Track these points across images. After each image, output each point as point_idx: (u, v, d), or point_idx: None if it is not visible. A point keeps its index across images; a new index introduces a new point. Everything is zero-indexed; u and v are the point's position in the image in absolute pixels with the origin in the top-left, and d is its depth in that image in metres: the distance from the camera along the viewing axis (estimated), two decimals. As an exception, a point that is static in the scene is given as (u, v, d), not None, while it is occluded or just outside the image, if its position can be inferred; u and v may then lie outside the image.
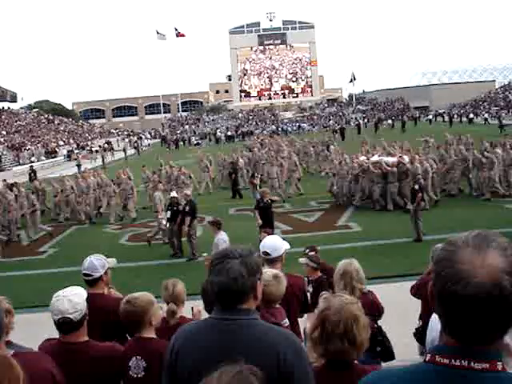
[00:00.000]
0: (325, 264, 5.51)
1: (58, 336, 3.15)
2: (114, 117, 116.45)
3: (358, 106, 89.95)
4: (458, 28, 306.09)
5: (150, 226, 16.59)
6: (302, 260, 5.81)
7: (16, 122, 67.75)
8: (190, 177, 20.36)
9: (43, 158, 53.13)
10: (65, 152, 56.56)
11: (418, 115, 73.45)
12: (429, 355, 1.35)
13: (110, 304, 4.10)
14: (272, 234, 8.80)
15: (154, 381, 2.90)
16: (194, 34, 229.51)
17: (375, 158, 17.11)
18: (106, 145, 57.57)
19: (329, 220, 15.71)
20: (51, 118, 79.64)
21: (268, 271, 3.72)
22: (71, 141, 66.61)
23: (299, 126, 72.75)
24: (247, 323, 2.14)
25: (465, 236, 1.30)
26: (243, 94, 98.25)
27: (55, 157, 54.33)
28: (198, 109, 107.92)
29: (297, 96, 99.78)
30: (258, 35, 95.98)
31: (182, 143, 63.49)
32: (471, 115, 65.38)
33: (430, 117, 71.40)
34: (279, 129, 70.67)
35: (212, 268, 2.19)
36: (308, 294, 4.87)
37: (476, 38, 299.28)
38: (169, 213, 13.00)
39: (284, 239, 4.83)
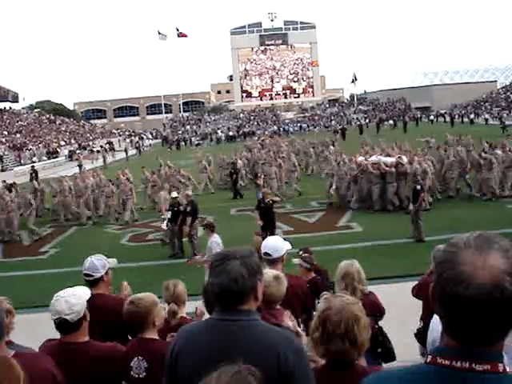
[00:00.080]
0: (318, 266, 5.49)
1: (59, 336, 3.15)
2: (115, 117, 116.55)
3: (360, 107, 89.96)
4: (460, 28, 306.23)
5: (151, 227, 16.61)
6: (296, 261, 5.82)
7: (17, 122, 67.85)
8: (190, 178, 20.27)
9: (45, 158, 53.20)
10: (66, 152, 56.60)
11: (419, 116, 73.45)
12: (430, 356, 1.35)
13: (110, 304, 4.10)
14: (262, 235, 8.78)
15: (156, 382, 2.90)
16: (196, 34, 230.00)
17: (374, 159, 17.09)
18: (107, 145, 57.59)
19: (330, 220, 15.72)
20: (53, 118, 79.74)
21: (269, 272, 3.72)
22: (73, 141, 66.70)
23: (300, 127, 72.81)
24: (248, 324, 2.14)
25: (466, 237, 1.30)
26: (245, 95, 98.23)
27: (57, 157, 54.37)
28: (199, 109, 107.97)
29: (298, 96, 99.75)
30: (260, 35, 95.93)
31: (183, 143, 63.53)
32: (471, 116, 65.41)
33: (432, 117, 71.43)
34: (281, 129, 70.69)
35: (212, 269, 2.19)
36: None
37: (478, 38, 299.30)
38: (169, 213, 13.00)
39: (285, 239, 4.84)
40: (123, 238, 15.49)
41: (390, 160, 16.61)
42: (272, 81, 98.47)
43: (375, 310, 4.52)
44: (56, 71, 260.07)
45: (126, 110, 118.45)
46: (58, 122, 78.19)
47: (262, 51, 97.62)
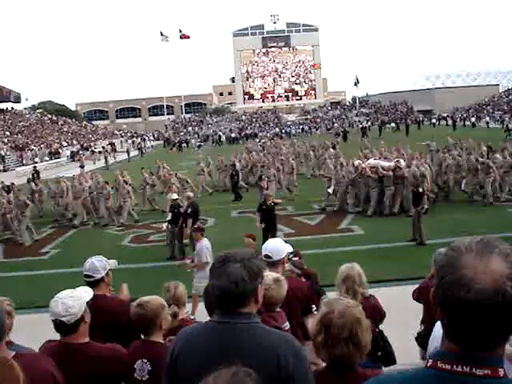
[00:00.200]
0: (307, 269, 5.47)
1: (59, 337, 3.15)
2: (117, 118, 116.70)
3: (362, 109, 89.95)
4: (462, 31, 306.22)
5: (152, 228, 16.60)
6: (286, 266, 5.79)
7: (20, 122, 67.95)
8: (187, 181, 20.16)
9: (46, 158, 53.25)
10: (68, 153, 56.64)
11: (421, 119, 73.43)
12: (430, 361, 1.35)
13: (111, 305, 4.11)
14: (253, 237, 8.75)
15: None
16: (198, 35, 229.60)
17: (372, 162, 17.06)
18: (109, 146, 57.63)
19: (331, 223, 15.71)
20: (55, 118, 79.82)
21: (269, 275, 3.72)
22: (75, 142, 66.78)
23: (302, 129, 72.86)
24: (248, 327, 2.14)
25: (467, 242, 1.30)
26: (247, 97, 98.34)
27: (58, 157, 54.44)
28: (201, 111, 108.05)
29: (300, 99, 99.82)
30: (262, 37, 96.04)
31: (185, 145, 63.60)
32: (472, 119, 65.38)
33: (434, 120, 71.40)
34: (283, 131, 70.70)
35: (213, 271, 2.19)
36: None
37: (480, 41, 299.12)
38: (170, 215, 12.97)
39: (286, 242, 4.84)
40: (125, 240, 15.48)
41: (387, 164, 16.59)
42: (274, 83, 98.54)
43: (376, 313, 4.51)
44: (58, 72, 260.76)
45: (128, 111, 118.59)
46: (60, 123, 78.28)
47: (264, 53, 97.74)
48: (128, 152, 49.69)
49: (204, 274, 8.82)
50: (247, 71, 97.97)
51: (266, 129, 76.72)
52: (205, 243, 9.09)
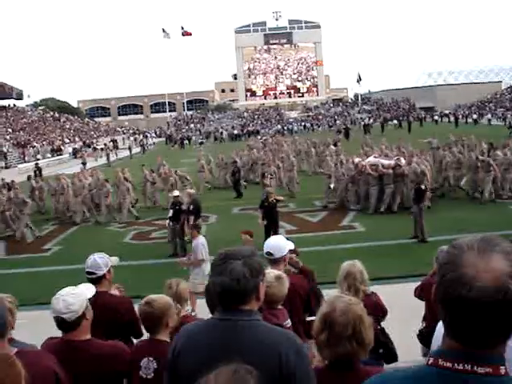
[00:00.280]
0: (304, 266, 5.45)
1: (61, 334, 3.16)
2: (119, 115, 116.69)
3: (364, 106, 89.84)
4: (465, 28, 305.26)
5: (154, 225, 16.61)
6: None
7: (22, 119, 68.01)
8: (187, 178, 20.11)
9: (49, 155, 53.28)
10: (70, 150, 56.68)
11: (423, 116, 73.27)
12: (431, 358, 1.35)
13: (114, 303, 4.12)
14: (250, 234, 8.76)
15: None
16: (200, 32, 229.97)
17: (372, 160, 17.04)
18: (111, 143, 57.66)
19: (333, 220, 15.72)
20: (57, 115, 79.85)
21: (270, 272, 3.72)
22: (77, 139, 66.81)
23: (304, 126, 72.80)
24: (249, 324, 2.14)
25: (469, 239, 1.30)
26: (249, 93, 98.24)
27: (61, 154, 54.47)
28: (203, 107, 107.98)
29: (302, 96, 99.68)
30: (264, 34, 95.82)
31: (187, 142, 63.58)
32: (474, 116, 65.25)
33: (436, 117, 71.28)
34: (285, 128, 70.65)
35: (214, 268, 2.19)
36: None
37: (483, 38, 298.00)
38: (171, 211, 12.93)
39: (288, 239, 4.83)
40: (126, 236, 15.49)
41: (387, 162, 16.57)
42: (276, 79, 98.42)
43: (377, 310, 4.51)
44: (60, 69, 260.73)
45: (130, 108, 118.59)
46: (62, 120, 78.32)
47: (266, 50, 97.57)
48: (130, 149, 49.71)
49: (199, 271, 8.85)
50: (249, 68, 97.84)
51: (268, 126, 76.68)
52: (201, 240, 9.11)
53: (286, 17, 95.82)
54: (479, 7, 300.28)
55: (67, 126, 75.17)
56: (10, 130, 59.32)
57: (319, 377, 2.27)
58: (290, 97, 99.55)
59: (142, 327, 3.76)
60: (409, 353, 5.15)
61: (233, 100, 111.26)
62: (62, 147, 57.49)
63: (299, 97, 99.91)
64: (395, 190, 16.12)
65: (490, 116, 64.43)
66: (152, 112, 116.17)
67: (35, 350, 3.06)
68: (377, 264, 9.75)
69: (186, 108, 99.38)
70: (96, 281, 4.05)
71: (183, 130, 79.11)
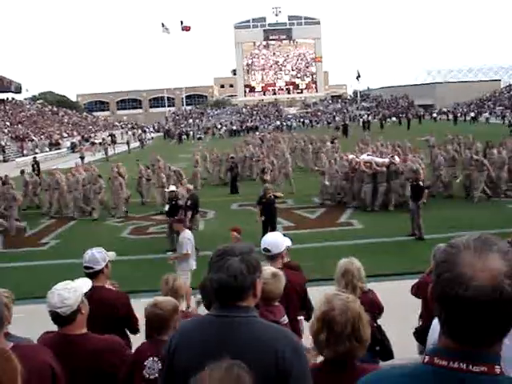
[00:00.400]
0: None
1: (56, 328, 3.16)
2: (118, 109, 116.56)
3: (363, 103, 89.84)
4: (464, 26, 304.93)
5: (152, 220, 16.61)
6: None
7: (20, 112, 67.81)
8: (181, 174, 19.98)
9: (47, 149, 53.13)
10: (68, 144, 56.51)
11: (422, 113, 73.28)
12: (427, 357, 1.35)
13: (110, 297, 4.13)
14: (238, 230, 8.74)
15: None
16: (200, 27, 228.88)
17: (366, 157, 17.03)
18: (109, 138, 57.54)
19: (331, 217, 15.72)
20: (55, 109, 79.65)
21: (267, 269, 3.72)
22: (75, 133, 66.64)
23: (303, 122, 72.79)
24: (246, 321, 2.14)
25: (466, 239, 1.30)
26: (248, 89, 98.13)
27: (59, 148, 54.32)
28: (202, 103, 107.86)
29: (301, 92, 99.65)
30: (264, 30, 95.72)
31: (185, 137, 63.48)
32: (472, 114, 65.30)
33: (435, 115, 71.30)
34: (283, 124, 70.61)
35: (211, 264, 2.19)
36: None
37: (482, 36, 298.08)
38: (167, 206, 12.80)
39: (285, 235, 4.83)
40: (124, 231, 15.48)
41: (381, 160, 16.58)
42: (275, 75, 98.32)
43: (374, 307, 4.52)
44: (59, 63, 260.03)
45: (128, 102, 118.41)
46: (60, 114, 78.14)
47: (265, 46, 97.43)
48: (128, 143, 49.64)
49: (186, 265, 8.80)
50: (248, 64, 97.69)
51: (266, 122, 76.63)
52: (187, 234, 9.08)
53: (285, 13, 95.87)
54: (479, 5, 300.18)
55: (66, 120, 74.99)
56: (8, 124, 59.13)
57: (316, 374, 2.26)
58: (288, 93, 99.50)
59: (141, 327, 3.77)
60: (405, 350, 5.15)
61: (232, 95, 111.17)
62: (61, 141, 57.32)
63: (298, 93, 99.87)
64: (390, 189, 16.13)
65: (487, 114, 64.49)
66: (151, 107, 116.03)
67: (31, 345, 3.06)
68: (374, 261, 9.76)
69: (184, 103, 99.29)
70: (93, 275, 4.06)
71: (182, 125, 78.99)
